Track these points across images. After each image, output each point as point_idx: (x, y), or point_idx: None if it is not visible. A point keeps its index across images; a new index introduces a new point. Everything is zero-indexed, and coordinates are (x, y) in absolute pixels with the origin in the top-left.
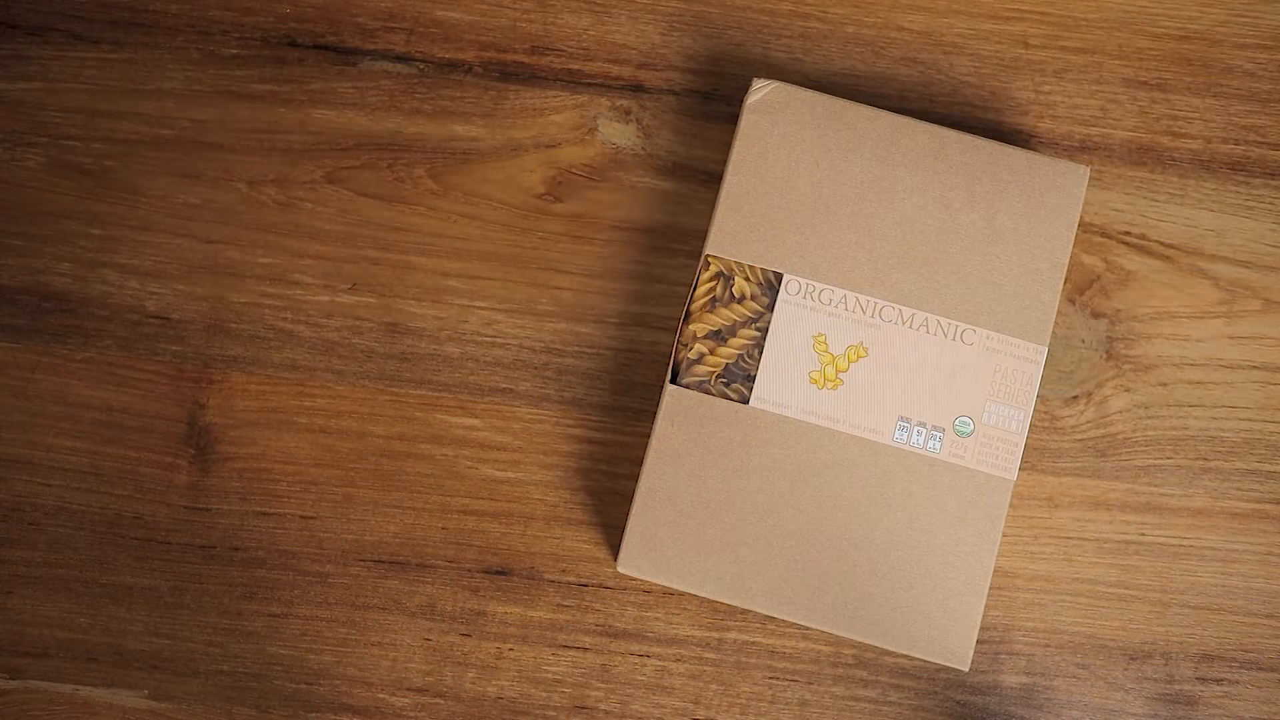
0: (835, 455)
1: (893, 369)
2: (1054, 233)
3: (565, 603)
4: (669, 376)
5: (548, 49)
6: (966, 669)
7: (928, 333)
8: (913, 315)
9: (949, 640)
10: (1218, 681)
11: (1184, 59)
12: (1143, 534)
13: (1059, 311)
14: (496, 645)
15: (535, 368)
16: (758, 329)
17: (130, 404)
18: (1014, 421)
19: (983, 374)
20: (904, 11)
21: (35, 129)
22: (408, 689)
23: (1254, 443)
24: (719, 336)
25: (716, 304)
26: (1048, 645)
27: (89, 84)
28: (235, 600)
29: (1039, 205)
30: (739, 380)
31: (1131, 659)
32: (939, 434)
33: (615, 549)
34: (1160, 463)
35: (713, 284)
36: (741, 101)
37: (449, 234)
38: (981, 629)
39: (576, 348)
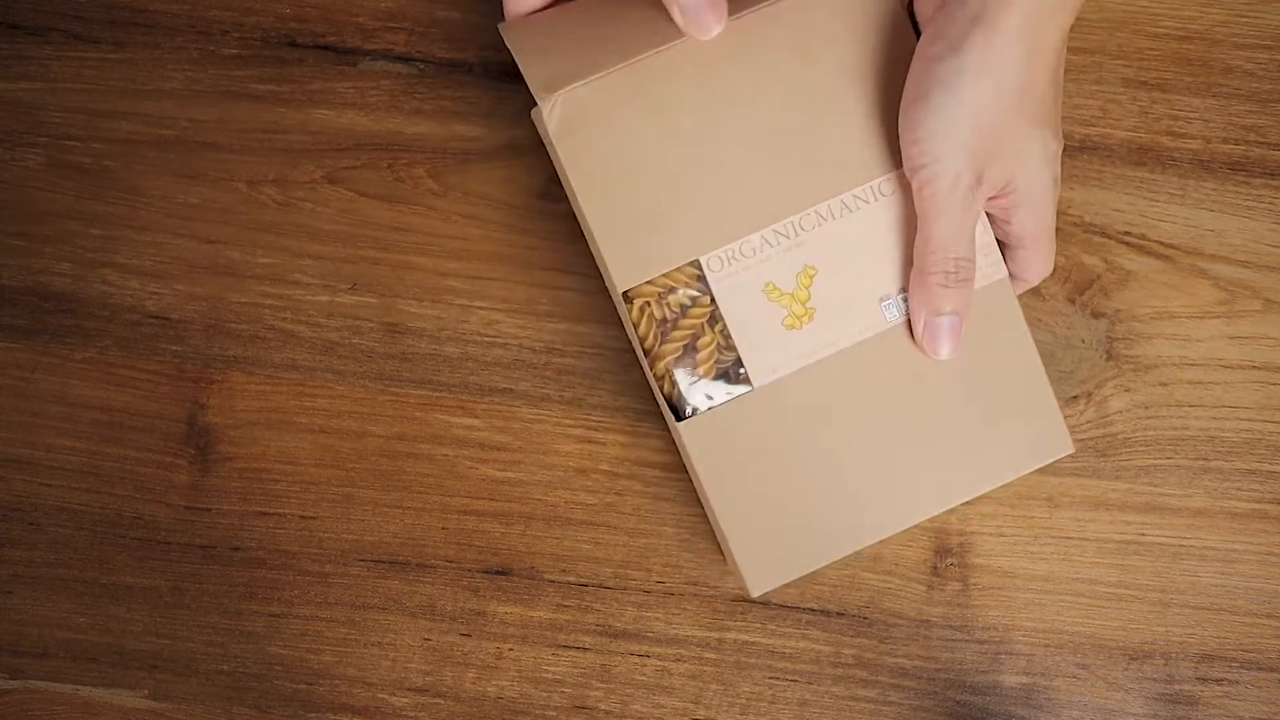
0: (853, 374)
1: (845, 267)
2: (889, 32)
3: (565, 603)
4: (672, 416)
5: None
6: (1072, 450)
7: (851, 211)
8: (828, 207)
9: (1042, 440)
10: (1218, 681)
11: (1184, 59)
12: (1143, 534)
13: (1060, 312)
14: (496, 645)
15: (535, 368)
16: (715, 318)
17: (130, 404)
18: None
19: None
20: None
21: (35, 129)
22: (408, 689)
23: (1254, 443)
24: (691, 349)
25: (668, 326)
26: (1048, 645)
27: (89, 84)
28: (235, 600)
29: (861, 20)
30: (731, 371)
31: (1131, 659)
32: None
33: (617, 549)
34: (1160, 463)
35: (647, 313)
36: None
37: (449, 234)
38: (981, 629)
39: (576, 348)
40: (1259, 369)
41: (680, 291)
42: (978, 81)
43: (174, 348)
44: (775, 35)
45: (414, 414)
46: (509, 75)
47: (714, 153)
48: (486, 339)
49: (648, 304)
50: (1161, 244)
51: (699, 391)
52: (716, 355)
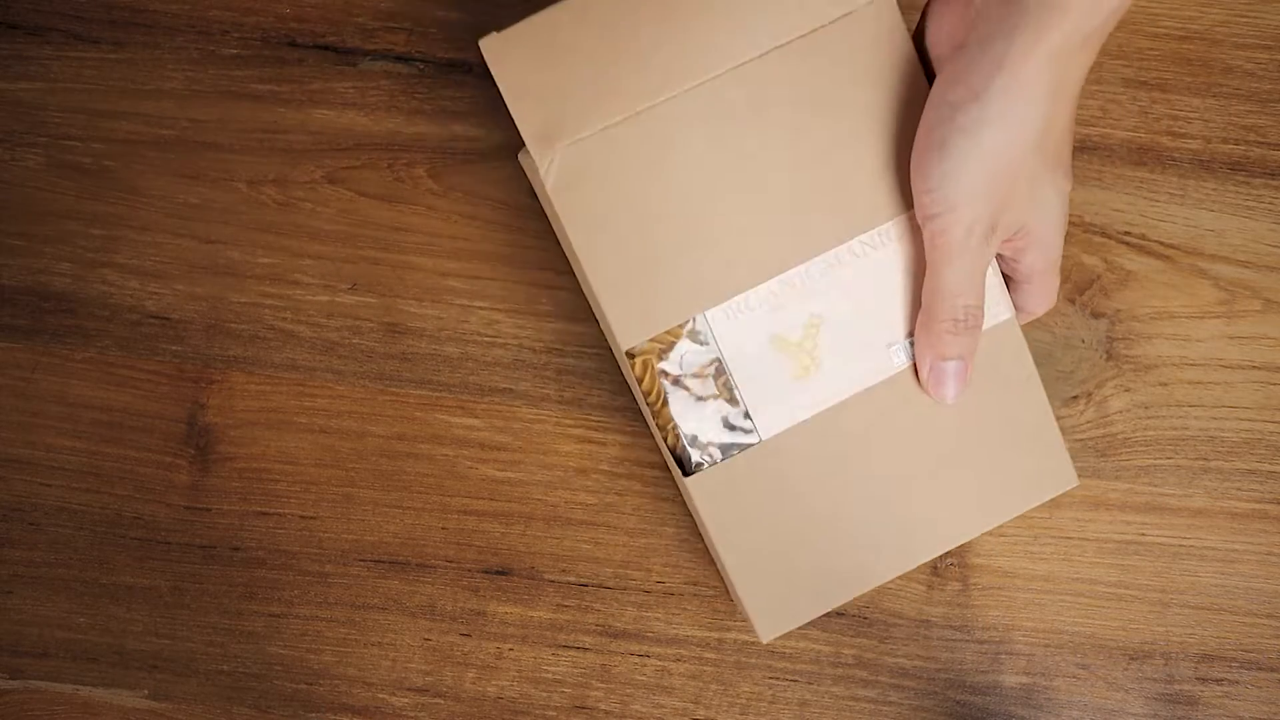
0: (860, 421)
1: (853, 314)
2: (897, 74)
3: (565, 603)
4: (679, 470)
5: None
6: (1076, 483)
7: (859, 258)
8: (836, 255)
9: (1047, 475)
10: (1218, 681)
11: (1184, 59)
12: (1143, 534)
13: (1060, 312)
14: (496, 645)
15: (535, 368)
16: (721, 371)
17: (130, 404)
18: None
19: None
20: (904, 11)
21: (35, 129)
22: (408, 689)
23: (1254, 443)
24: (696, 403)
25: (672, 380)
26: (1048, 645)
27: (89, 84)
28: (235, 600)
29: (868, 63)
30: (738, 424)
31: (1131, 659)
32: None
33: (617, 549)
34: (1160, 463)
35: (651, 368)
36: (533, 179)
37: (449, 234)
38: (981, 629)
39: (576, 348)
40: (1259, 369)
41: (684, 345)
42: (999, 130)
43: (174, 348)
44: (780, 81)
45: (414, 414)
46: None
47: (718, 204)
48: (486, 339)
49: (650, 359)
50: (1161, 244)
51: (705, 445)
52: (723, 408)
